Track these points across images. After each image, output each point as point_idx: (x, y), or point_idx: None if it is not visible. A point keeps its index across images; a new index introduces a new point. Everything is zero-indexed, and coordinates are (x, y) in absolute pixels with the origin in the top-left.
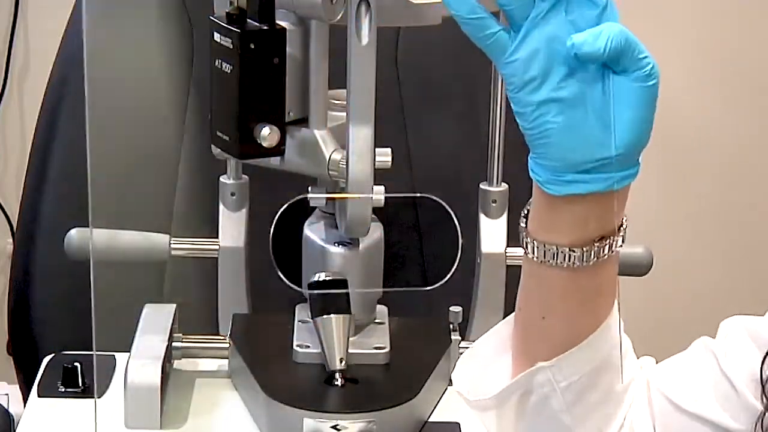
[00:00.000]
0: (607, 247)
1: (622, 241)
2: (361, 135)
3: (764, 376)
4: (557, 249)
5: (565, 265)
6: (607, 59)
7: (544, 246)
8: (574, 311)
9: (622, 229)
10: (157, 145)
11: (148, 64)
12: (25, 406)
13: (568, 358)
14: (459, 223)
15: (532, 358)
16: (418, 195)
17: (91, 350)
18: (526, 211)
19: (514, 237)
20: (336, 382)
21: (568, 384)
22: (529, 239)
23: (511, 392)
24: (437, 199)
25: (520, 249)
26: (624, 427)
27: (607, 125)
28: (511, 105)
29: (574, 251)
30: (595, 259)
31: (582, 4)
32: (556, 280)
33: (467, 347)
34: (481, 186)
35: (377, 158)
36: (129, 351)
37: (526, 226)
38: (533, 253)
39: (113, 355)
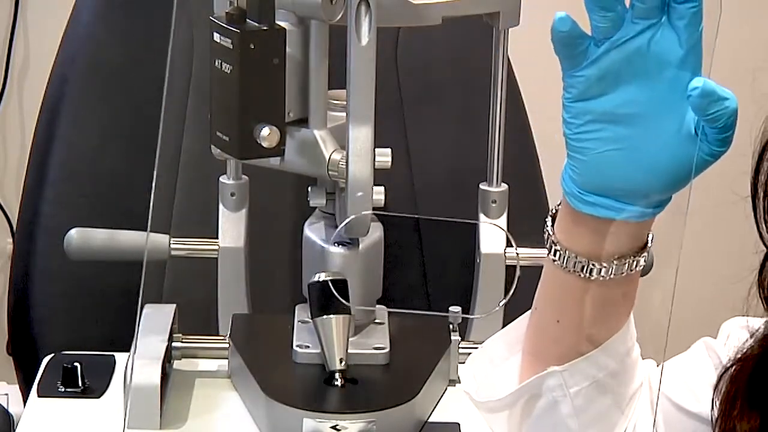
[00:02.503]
0: (626, 266)
1: (644, 262)
2: (361, 135)
3: None
4: (577, 258)
5: (583, 276)
6: (705, 121)
7: (566, 252)
8: (588, 318)
9: (645, 249)
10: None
11: (147, 64)
12: (24, 406)
13: (580, 363)
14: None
15: (543, 359)
16: (472, 221)
17: (91, 351)
18: (554, 211)
19: (513, 237)
20: (336, 383)
21: (579, 389)
22: (552, 242)
23: (520, 395)
24: (500, 226)
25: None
26: (628, 430)
27: (645, 163)
28: (562, 110)
29: (594, 265)
30: (613, 275)
31: (667, 42)
32: (573, 286)
33: (467, 347)
34: (481, 186)
35: (377, 158)
36: (129, 351)
37: (552, 228)
38: (554, 256)
39: (113, 355)
